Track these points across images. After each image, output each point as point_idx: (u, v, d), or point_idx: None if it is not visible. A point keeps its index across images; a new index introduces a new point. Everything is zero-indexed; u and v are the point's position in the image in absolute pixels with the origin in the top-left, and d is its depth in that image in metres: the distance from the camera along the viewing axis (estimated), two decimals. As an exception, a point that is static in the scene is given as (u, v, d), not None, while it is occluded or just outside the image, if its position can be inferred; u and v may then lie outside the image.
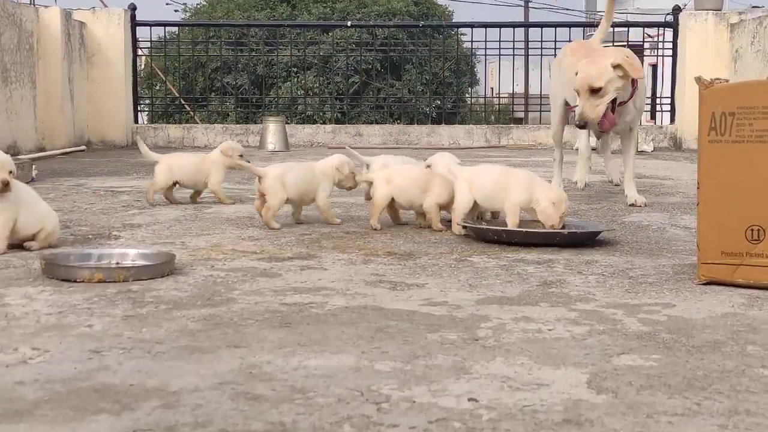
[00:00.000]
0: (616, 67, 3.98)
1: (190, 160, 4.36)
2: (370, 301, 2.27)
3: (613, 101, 4.02)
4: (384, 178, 3.60)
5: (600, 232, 3.31)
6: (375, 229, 3.51)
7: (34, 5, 8.83)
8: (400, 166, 3.82)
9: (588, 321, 2.09)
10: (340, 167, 3.72)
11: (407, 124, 11.02)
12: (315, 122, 12.57)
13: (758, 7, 11.78)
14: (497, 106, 13.64)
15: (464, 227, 3.37)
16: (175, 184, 4.30)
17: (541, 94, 11.23)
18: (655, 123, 11.25)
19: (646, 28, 11.24)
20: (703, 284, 2.50)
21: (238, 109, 12.55)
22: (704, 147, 2.52)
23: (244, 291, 2.38)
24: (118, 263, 2.70)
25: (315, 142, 9.90)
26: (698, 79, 2.53)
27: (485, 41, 10.47)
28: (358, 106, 13.04)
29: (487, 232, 3.27)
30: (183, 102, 12.80)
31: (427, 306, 2.23)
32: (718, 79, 2.53)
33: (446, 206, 3.53)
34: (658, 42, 10.72)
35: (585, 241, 3.23)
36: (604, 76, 3.96)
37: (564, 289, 2.44)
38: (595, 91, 3.96)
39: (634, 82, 4.14)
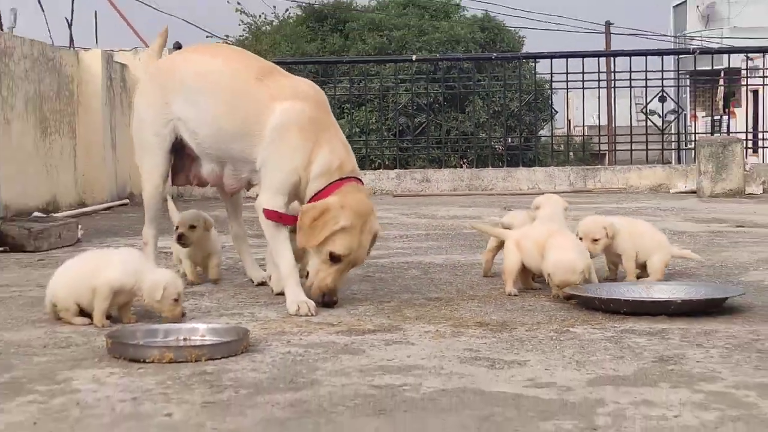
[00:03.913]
0: None
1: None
2: (469, 383, 2.30)
3: None
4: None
5: (726, 299, 3.27)
6: None
7: (74, 48, 9.17)
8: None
9: (717, 405, 2.09)
10: None
11: (479, 166, 11.06)
12: (374, 165, 12.71)
13: None
14: (579, 140, 13.61)
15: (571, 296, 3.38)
16: None
17: (631, 130, 11.23)
18: (758, 157, 11.15)
19: (748, 54, 11.20)
20: (844, 359, 2.48)
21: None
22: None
23: (328, 371, 2.43)
24: (186, 339, 2.78)
25: (378, 190, 9.99)
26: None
27: (566, 72, 10.53)
28: (420, 143, 13.11)
29: (593, 301, 3.27)
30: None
31: (533, 388, 2.25)
32: None
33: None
34: (762, 68, 10.64)
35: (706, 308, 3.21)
36: None
37: (684, 366, 2.44)
38: None
39: None
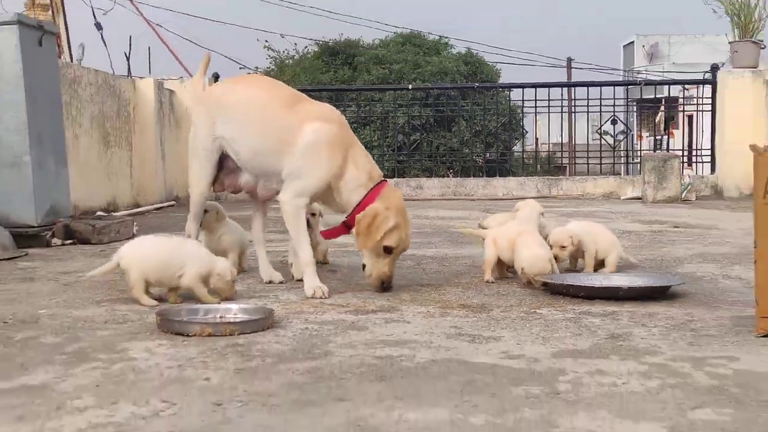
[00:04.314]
0: None
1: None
2: (454, 355, 2.30)
3: None
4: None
5: (670, 287, 3.26)
6: None
7: (131, 77, 9.16)
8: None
9: (659, 374, 2.08)
10: None
11: (463, 176, 11.04)
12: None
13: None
14: (545, 154, 13.61)
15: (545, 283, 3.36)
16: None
17: (588, 147, 11.22)
18: (692, 170, 11.13)
19: (685, 85, 11.18)
20: (762, 336, 2.47)
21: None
22: (760, 208, 2.51)
23: (339, 344, 2.43)
24: (222, 317, 2.78)
25: (380, 195, 9.95)
26: (753, 147, 2.54)
27: (535, 99, 10.51)
28: (414, 156, 13.11)
29: (560, 287, 3.27)
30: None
31: (507, 359, 2.24)
32: (770, 146, 2.53)
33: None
34: (696, 97, 10.62)
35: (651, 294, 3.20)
36: None
37: (631, 342, 2.44)
38: None
39: None
